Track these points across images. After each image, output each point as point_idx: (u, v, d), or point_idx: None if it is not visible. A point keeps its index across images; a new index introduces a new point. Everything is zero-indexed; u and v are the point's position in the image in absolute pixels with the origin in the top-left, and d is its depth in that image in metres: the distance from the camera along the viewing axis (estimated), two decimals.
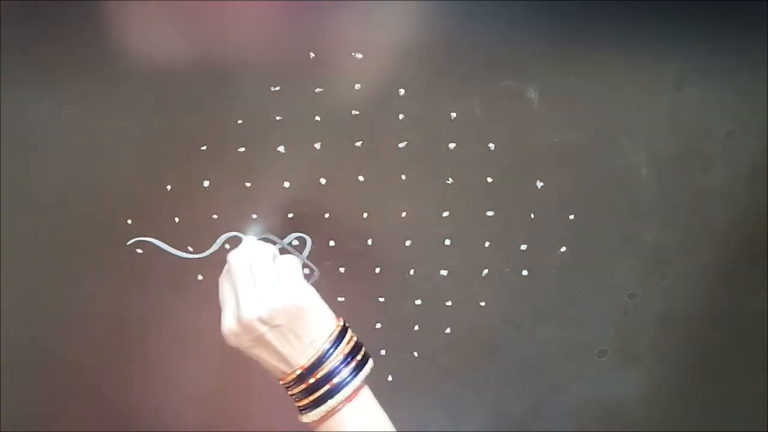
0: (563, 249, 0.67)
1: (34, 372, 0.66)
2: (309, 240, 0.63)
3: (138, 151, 0.58)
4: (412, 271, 0.67)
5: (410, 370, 0.71)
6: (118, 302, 0.56)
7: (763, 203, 0.66)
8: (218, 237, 0.61)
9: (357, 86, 0.58)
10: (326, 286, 0.66)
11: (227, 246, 0.62)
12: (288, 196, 0.62)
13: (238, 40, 0.55)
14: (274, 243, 0.63)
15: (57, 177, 0.59)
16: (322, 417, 0.53)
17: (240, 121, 0.58)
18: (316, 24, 0.56)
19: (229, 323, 0.53)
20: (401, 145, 0.61)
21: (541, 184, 0.64)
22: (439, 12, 0.57)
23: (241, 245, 0.56)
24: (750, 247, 0.68)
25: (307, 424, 0.54)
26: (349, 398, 0.53)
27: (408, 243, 0.65)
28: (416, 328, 0.69)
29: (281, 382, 0.54)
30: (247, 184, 0.61)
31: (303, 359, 0.53)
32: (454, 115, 0.60)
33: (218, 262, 0.61)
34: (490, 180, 0.63)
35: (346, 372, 0.53)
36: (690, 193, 0.65)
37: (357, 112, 0.59)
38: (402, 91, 0.59)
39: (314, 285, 0.65)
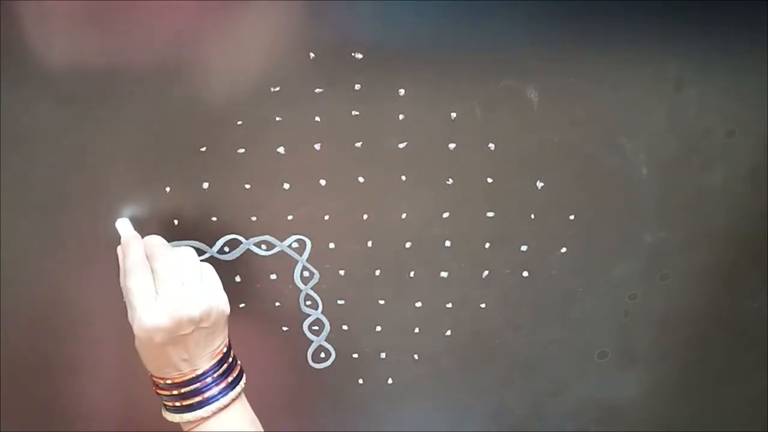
0: (563, 250, 0.67)
1: (34, 372, 0.66)
2: (308, 242, 0.63)
3: (137, 153, 0.58)
4: (412, 273, 0.66)
5: (410, 373, 0.71)
6: (117, 303, 0.55)
7: (763, 203, 0.66)
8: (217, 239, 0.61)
9: (357, 86, 0.58)
10: (326, 288, 0.66)
11: (226, 249, 0.62)
12: (287, 198, 0.61)
13: (237, 40, 0.55)
14: (274, 246, 0.62)
15: (56, 178, 0.58)
16: (189, 422, 0.55)
17: (240, 122, 0.58)
18: (316, 24, 0.55)
19: (157, 319, 0.51)
20: (401, 145, 0.61)
21: (541, 184, 0.64)
22: (440, 12, 0.56)
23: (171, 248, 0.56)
24: (750, 247, 0.68)
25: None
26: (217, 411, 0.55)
27: (408, 245, 0.65)
28: (416, 330, 0.69)
29: (163, 381, 0.54)
30: (247, 186, 0.60)
31: (206, 364, 0.54)
32: (454, 115, 0.60)
33: (217, 263, 0.61)
34: (490, 180, 0.63)
35: (219, 389, 0.55)
36: (690, 193, 0.65)
37: (357, 113, 0.59)
38: (402, 91, 0.59)
39: (314, 288, 0.65)
